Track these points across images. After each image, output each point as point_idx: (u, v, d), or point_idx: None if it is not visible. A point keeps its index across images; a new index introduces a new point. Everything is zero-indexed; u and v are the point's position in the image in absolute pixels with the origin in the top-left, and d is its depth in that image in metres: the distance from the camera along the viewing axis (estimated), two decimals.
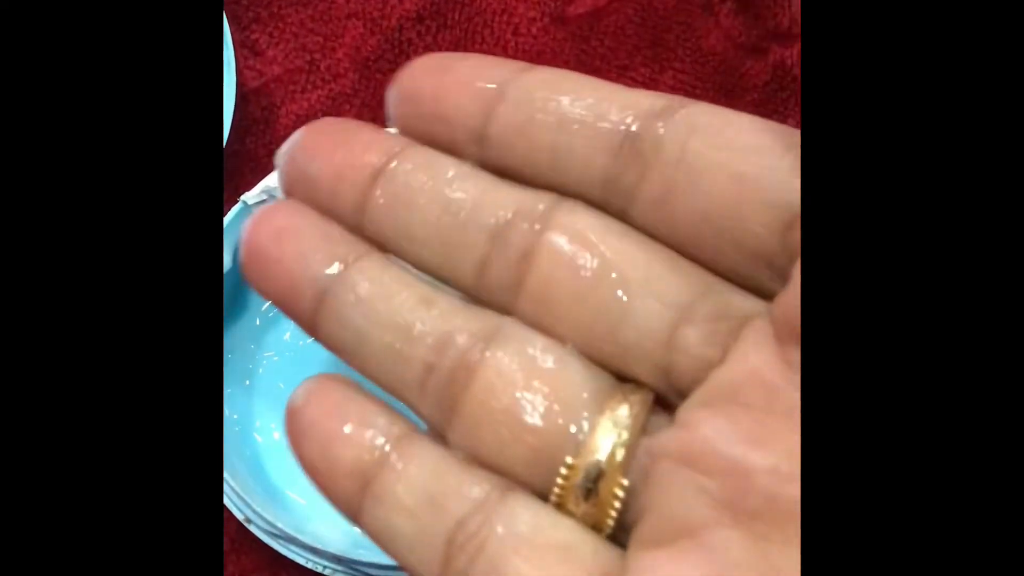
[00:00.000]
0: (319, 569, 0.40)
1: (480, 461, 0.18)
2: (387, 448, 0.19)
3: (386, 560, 0.40)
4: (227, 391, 0.44)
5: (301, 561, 0.40)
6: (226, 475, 0.40)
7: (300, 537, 0.40)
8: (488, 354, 0.18)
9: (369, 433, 0.19)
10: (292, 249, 0.20)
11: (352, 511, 0.19)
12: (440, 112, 0.20)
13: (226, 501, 0.41)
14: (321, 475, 0.19)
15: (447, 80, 0.20)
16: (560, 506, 0.17)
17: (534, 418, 0.18)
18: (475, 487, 0.18)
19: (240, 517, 0.41)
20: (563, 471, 0.17)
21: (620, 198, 0.19)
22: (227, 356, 0.44)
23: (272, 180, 0.41)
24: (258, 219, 0.20)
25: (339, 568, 0.40)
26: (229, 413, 0.44)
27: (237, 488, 0.40)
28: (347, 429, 0.19)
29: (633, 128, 0.18)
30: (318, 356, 0.45)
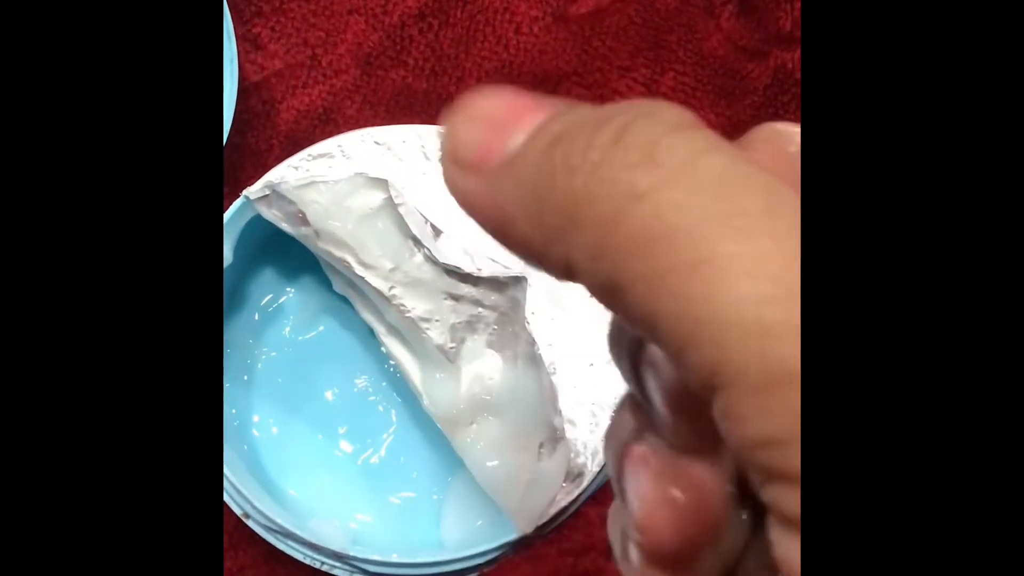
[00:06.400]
0: (317, 565, 0.40)
1: None
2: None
3: (383, 558, 0.40)
4: (225, 386, 0.44)
5: (299, 557, 0.40)
6: (224, 470, 0.40)
7: (298, 532, 0.40)
8: None
9: None
10: None
11: None
12: None
13: (224, 496, 0.40)
14: None
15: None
16: None
17: None
18: None
19: (238, 512, 0.41)
20: None
21: None
22: (226, 351, 0.44)
23: (273, 174, 0.41)
24: None
25: (337, 564, 0.40)
26: (228, 408, 0.44)
27: (235, 483, 0.40)
28: None
29: None
30: (317, 352, 0.45)
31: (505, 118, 0.16)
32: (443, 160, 0.17)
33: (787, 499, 0.14)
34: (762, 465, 0.14)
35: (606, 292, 0.15)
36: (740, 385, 0.13)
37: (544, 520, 0.39)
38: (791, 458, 0.13)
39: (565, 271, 0.15)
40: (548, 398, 0.39)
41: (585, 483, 0.40)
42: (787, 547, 0.14)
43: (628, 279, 0.14)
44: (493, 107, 0.16)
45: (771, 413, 0.13)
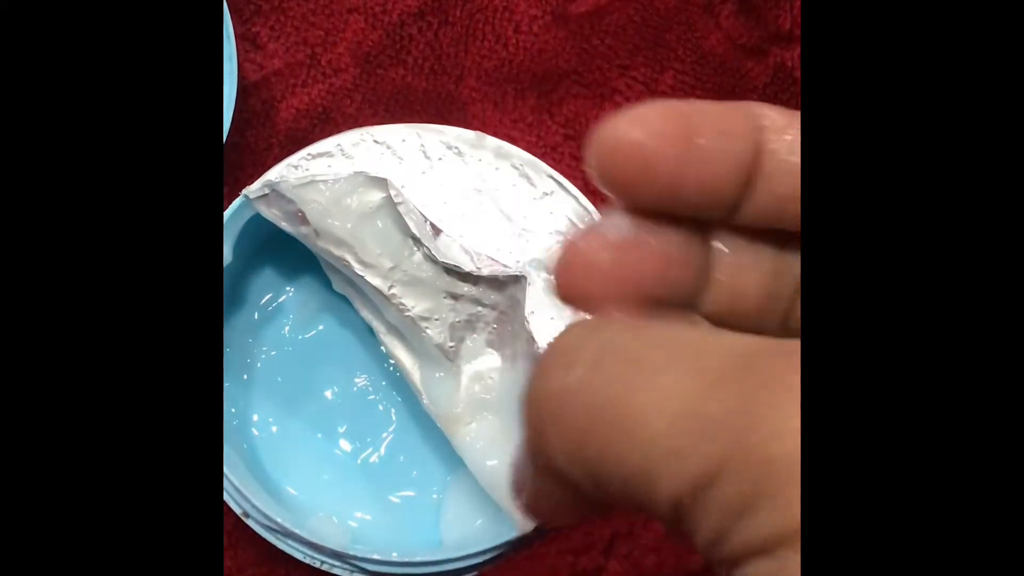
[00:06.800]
0: (316, 564, 0.40)
1: None
2: None
3: (383, 556, 0.40)
4: (225, 385, 0.44)
5: (299, 556, 0.40)
6: (224, 469, 0.40)
7: (298, 531, 0.40)
8: None
9: None
10: None
11: None
12: (686, 195, 0.19)
13: (223, 495, 0.40)
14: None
15: (693, 152, 0.18)
16: None
17: None
18: None
19: (238, 511, 0.41)
20: None
21: None
22: (225, 350, 0.44)
23: (272, 173, 0.41)
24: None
25: (337, 563, 0.40)
26: (227, 407, 0.44)
27: (235, 482, 0.40)
28: None
29: None
30: (316, 351, 0.45)
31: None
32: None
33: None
34: (719, 560, 0.15)
35: (593, 489, 0.17)
36: (679, 509, 0.15)
37: None
38: (733, 547, 0.15)
39: (588, 493, 0.17)
40: None
41: None
42: None
43: (592, 467, 0.16)
44: None
45: (705, 517, 0.15)
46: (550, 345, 0.18)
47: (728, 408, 0.15)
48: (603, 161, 0.19)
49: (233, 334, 0.44)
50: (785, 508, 0.14)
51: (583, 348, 0.17)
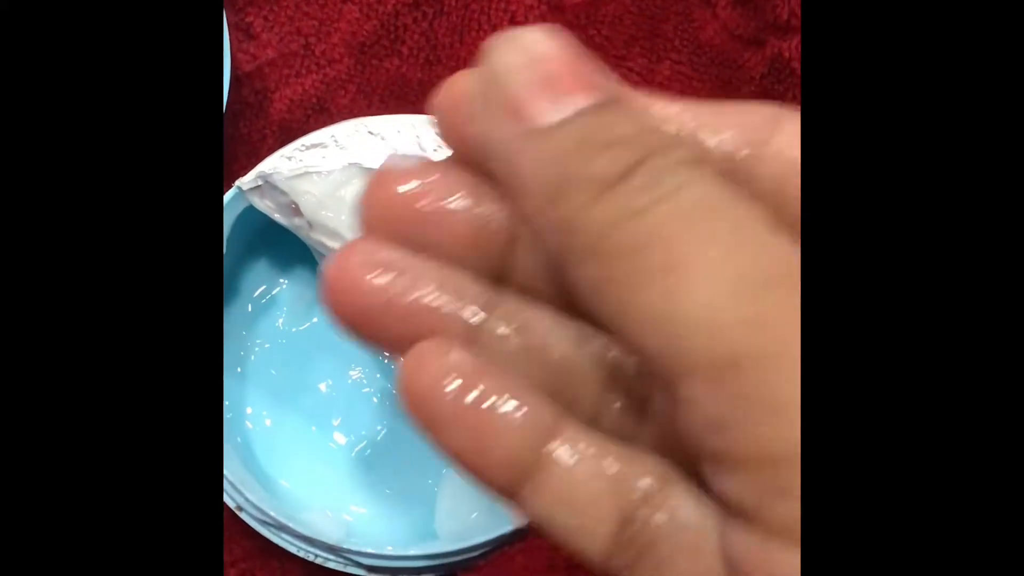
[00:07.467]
0: (311, 558, 0.40)
1: None
2: (547, 442, 0.18)
3: (377, 550, 0.40)
4: None
5: (293, 550, 0.40)
6: None
7: (292, 525, 0.39)
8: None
9: (526, 424, 0.17)
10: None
11: (506, 494, 0.18)
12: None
13: None
14: (472, 462, 0.18)
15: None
16: None
17: None
18: (640, 479, 0.18)
19: (232, 505, 0.40)
20: None
21: None
22: None
23: (266, 165, 0.41)
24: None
25: (331, 557, 0.40)
26: None
27: (229, 476, 0.39)
28: (502, 421, 0.17)
29: None
30: (310, 344, 0.45)
31: (555, 79, 0.16)
32: (482, 82, 0.17)
33: (732, 486, 0.15)
34: (711, 450, 0.15)
35: (588, 290, 0.16)
36: (692, 373, 0.15)
37: None
38: (735, 440, 0.15)
39: (555, 256, 0.17)
40: None
41: None
42: (738, 542, 0.15)
43: (610, 280, 0.16)
44: (551, 60, 0.16)
45: (717, 398, 0.15)
46: (642, 150, 0.16)
47: (775, 310, 0.15)
48: (443, 118, 0.19)
49: (227, 326, 0.44)
50: (788, 428, 0.14)
51: (668, 182, 0.16)
